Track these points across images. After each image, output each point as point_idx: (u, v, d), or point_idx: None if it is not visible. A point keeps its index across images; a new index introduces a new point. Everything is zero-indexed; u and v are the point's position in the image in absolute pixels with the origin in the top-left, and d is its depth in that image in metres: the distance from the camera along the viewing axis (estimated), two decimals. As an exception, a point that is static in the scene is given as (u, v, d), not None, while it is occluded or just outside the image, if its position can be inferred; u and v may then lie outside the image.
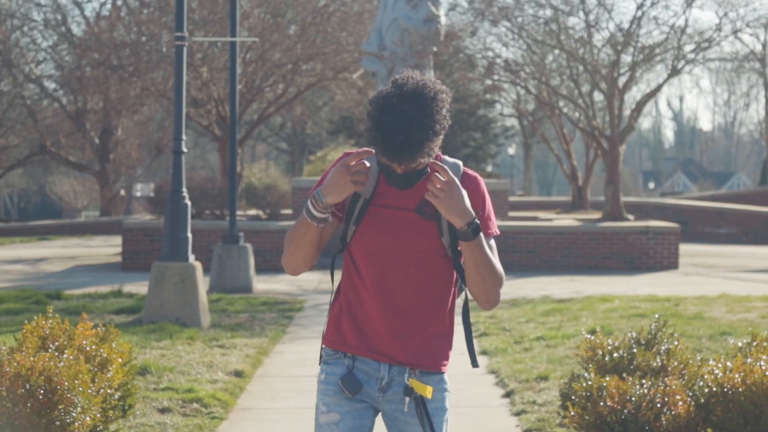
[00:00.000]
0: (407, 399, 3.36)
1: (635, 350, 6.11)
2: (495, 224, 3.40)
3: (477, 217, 3.26)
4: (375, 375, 3.38)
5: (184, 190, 11.68)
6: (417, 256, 3.34)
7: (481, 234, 3.23)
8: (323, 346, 3.48)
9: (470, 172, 3.41)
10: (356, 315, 3.38)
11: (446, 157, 3.38)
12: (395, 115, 3.12)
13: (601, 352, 6.16)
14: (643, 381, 5.63)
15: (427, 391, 3.31)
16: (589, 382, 5.70)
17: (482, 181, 3.39)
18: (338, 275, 3.54)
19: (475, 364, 3.47)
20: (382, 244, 3.34)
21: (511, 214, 23.33)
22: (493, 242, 3.37)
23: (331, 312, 3.47)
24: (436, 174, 3.18)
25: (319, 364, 3.50)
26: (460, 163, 3.40)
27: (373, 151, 3.25)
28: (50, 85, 34.84)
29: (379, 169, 3.32)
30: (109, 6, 32.36)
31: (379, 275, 3.33)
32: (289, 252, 3.38)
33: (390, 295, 3.33)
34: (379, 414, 3.49)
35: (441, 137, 3.20)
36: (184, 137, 11.64)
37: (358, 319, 3.38)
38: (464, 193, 3.20)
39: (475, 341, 10.07)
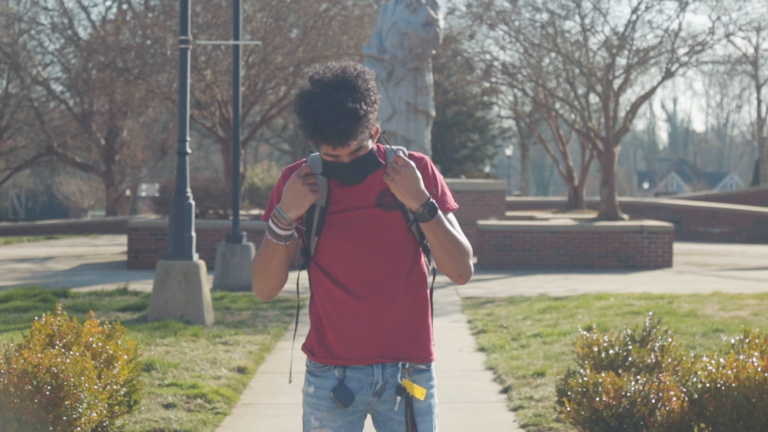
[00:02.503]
0: (398, 398, 3.30)
1: (630, 347, 6.13)
2: (451, 198, 3.35)
3: (432, 196, 3.26)
4: (368, 380, 3.31)
5: (189, 190, 11.73)
6: (390, 250, 3.29)
7: (440, 212, 3.22)
8: (308, 358, 3.38)
9: (416, 153, 3.32)
10: (337, 325, 3.30)
11: (387, 147, 3.32)
12: (323, 99, 3.07)
13: (596, 349, 6.20)
14: (638, 377, 5.66)
15: (420, 393, 3.27)
16: (585, 378, 5.74)
17: (429, 160, 3.35)
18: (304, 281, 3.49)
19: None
20: (353, 247, 3.28)
21: (509, 213, 23.48)
22: (452, 216, 3.33)
23: (311, 321, 3.38)
24: (395, 159, 3.17)
25: (306, 375, 3.39)
26: (404, 148, 3.31)
27: (311, 165, 3.23)
28: (57, 88, 34.95)
29: (325, 175, 3.25)
30: (114, 10, 32.67)
31: (359, 279, 3.27)
32: (260, 277, 3.31)
33: (375, 295, 3.27)
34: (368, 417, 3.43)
35: (376, 110, 3.14)
36: (188, 138, 11.71)
37: (340, 329, 3.30)
38: (420, 176, 3.18)
39: (473, 338, 10.44)
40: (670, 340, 6.24)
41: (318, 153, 3.31)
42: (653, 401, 5.49)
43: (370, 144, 3.21)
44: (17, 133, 34.99)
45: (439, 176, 3.35)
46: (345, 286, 3.29)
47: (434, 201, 3.22)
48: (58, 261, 19.92)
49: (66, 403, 5.28)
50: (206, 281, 11.49)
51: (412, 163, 3.18)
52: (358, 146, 3.16)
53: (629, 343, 6.22)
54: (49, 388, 5.25)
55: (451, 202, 3.36)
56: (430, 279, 3.42)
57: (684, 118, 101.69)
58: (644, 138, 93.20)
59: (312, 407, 3.34)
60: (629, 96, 34.01)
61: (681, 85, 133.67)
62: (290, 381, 3.68)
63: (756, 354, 5.55)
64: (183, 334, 9.99)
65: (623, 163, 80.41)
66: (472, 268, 3.35)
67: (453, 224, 3.32)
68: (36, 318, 6.17)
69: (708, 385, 5.45)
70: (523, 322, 11.19)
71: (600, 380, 5.65)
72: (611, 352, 6.15)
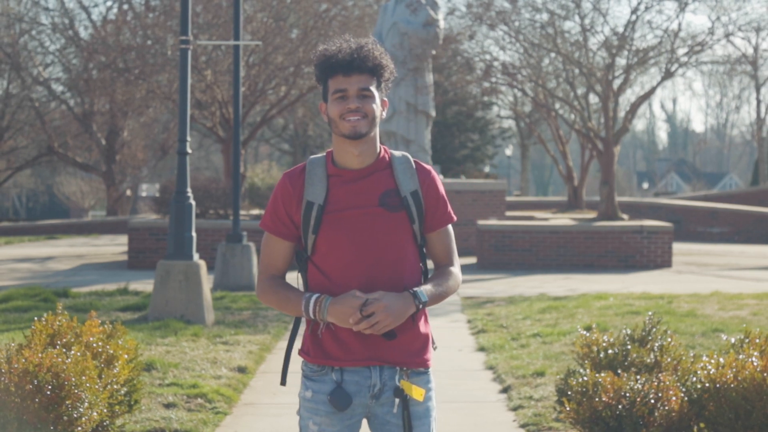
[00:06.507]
0: (397, 400, 3.26)
1: (629, 347, 6.14)
2: (450, 211, 3.35)
3: (432, 209, 3.30)
4: (366, 383, 3.26)
5: (189, 190, 11.75)
6: (391, 251, 3.24)
7: (425, 293, 3.23)
8: (304, 361, 3.34)
9: (423, 164, 3.31)
10: (334, 326, 3.24)
11: (393, 152, 3.31)
12: (343, 42, 3.24)
13: (596, 349, 6.21)
14: (638, 377, 5.68)
15: (419, 394, 3.24)
16: (585, 378, 5.75)
17: (434, 172, 3.34)
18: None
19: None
20: (353, 247, 3.22)
21: (508, 213, 23.51)
22: (450, 228, 3.36)
23: (306, 323, 3.33)
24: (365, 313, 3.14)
25: (302, 378, 3.36)
26: (408, 155, 3.31)
27: (310, 165, 3.27)
28: (58, 88, 35.01)
29: (327, 171, 3.27)
30: (115, 10, 32.74)
31: (358, 280, 3.21)
32: (270, 305, 3.39)
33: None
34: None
35: (389, 71, 3.24)
36: (188, 139, 11.72)
37: (336, 330, 3.24)
38: (392, 297, 3.16)
39: (473, 338, 10.49)
40: (669, 339, 6.24)
41: (318, 155, 3.31)
42: (652, 401, 5.49)
43: (377, 108, 3.19)
44: (18, 133, 35.10)
45: (441, 189, 3.34)
46: (343, 286, 3.23)
47: (419, 294, 3.21)
48: (59, 261, 19.95)
49: (67, 402, 5.29)
50: (206, 281, 11.51)
51: (384, 297, 3.15)
52: (367, 85, 3.18)
53: (629, 342, 6.22)
54: (49, 387, 5.26)
55: (450, 216, 3.35)
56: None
57: (683, 118, 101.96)
58: (644, 138, 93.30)
59: (310, 412, 3.30)
60: (629, 96, 34.11)
61: (680, 86, 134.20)
62: (283, 383, 3.55)
63: (755, 354, 5.55)
64: (183, 334, 10.01)
65: (623, 163, 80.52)
66: (460, 282, 3.40)
67: (449, 237, 3.36)
68: (37, 318, 6.17)
69: (707, 385, 5.45)
70: (522, 321, 11.21)
71: (599, 380, 5.66)
72: (611, 351, 6.15)
